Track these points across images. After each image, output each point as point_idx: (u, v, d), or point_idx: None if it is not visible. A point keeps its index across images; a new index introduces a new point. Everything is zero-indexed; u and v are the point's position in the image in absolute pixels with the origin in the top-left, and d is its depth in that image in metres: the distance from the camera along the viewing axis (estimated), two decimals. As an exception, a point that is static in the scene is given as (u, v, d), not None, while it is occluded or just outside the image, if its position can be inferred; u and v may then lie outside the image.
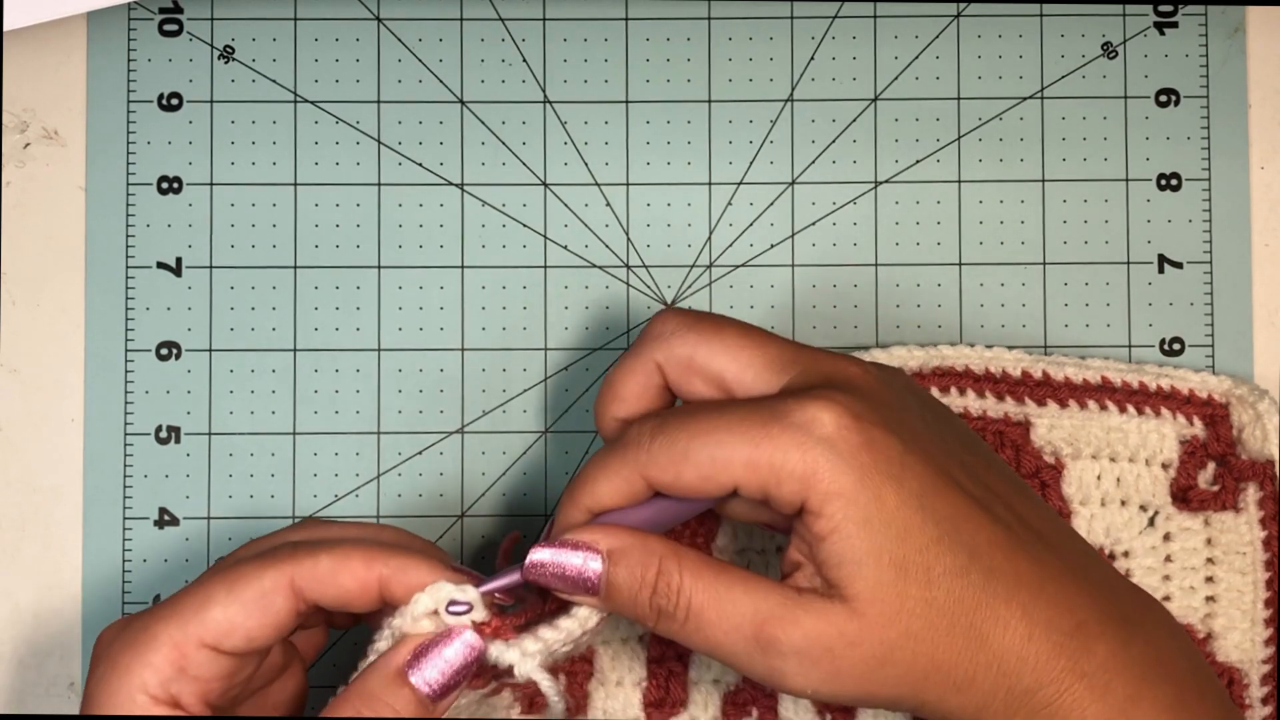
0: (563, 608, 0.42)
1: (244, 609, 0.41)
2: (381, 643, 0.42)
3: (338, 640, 0.52)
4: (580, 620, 0.42)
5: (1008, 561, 0.40)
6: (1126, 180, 0.54)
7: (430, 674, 0.41)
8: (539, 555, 0.41)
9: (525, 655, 0.41)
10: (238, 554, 0.44)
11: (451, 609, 0.41)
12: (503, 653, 0.41)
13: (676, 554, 0.41)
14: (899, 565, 0.39)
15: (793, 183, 0.54)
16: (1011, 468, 0.47)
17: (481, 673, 0.42)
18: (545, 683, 0.41)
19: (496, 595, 0.42)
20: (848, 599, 0.39)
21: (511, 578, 0.42)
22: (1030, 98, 0.54)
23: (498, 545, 0.52)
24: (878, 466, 0.39)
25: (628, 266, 0.54)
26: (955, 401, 0.51)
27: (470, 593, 0.41)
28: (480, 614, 0.41)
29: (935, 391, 0.51)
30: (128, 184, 0.54)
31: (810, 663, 0.39)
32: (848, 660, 0.39)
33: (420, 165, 0.54)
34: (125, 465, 0.53)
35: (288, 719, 0.45)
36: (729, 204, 0.54)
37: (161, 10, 0.54)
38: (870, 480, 0.39)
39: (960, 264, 0.54)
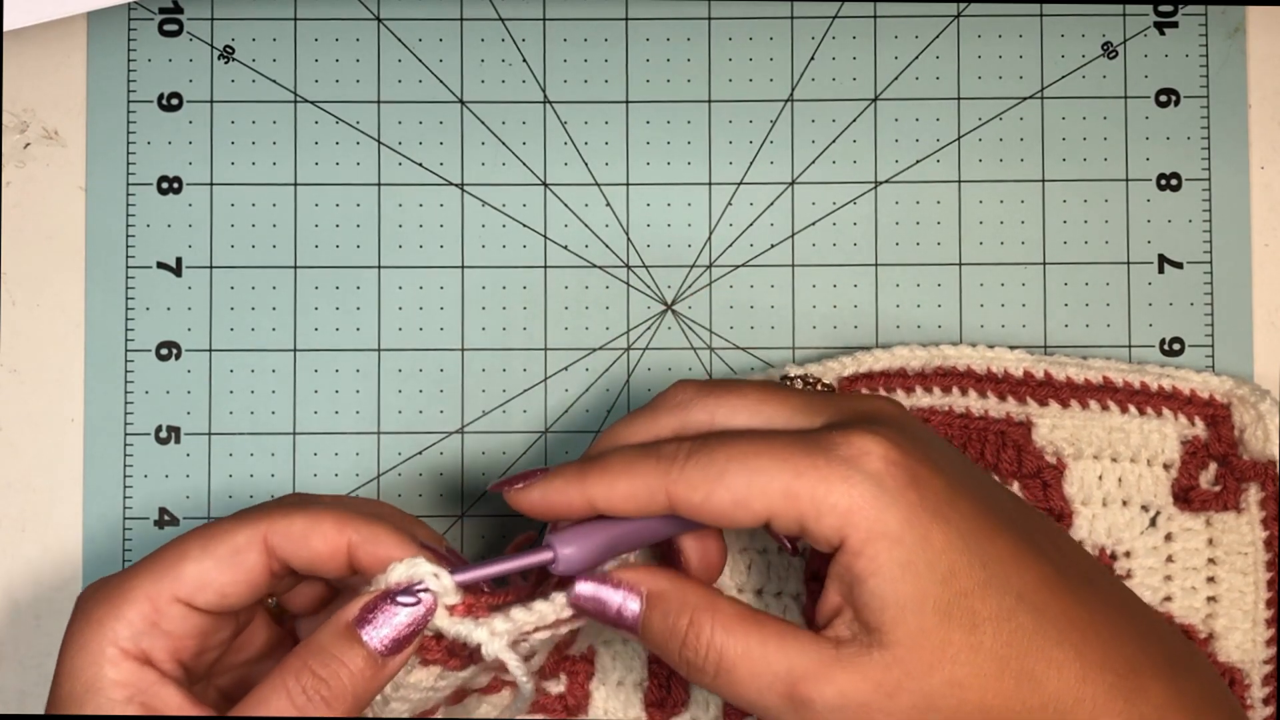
0: (540, 592, 0.42)
1: (217, 564, 0.41)
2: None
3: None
4: (556, 607, 0.41)
5: (1056, 602, 0.39)
6: (1126, 180, 0.54)
7: (381, 631, 0.40)
8: (583, 589, 0.40)
9: (493, 634, 0.40)
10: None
11: (416, 589, 0.40)
12: (471, 631, 0.40)
13: (711, 606, 0.40)
14: (943, 610, 0.38)
15: (793, 183, 0.54)
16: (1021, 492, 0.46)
17: (456, 653, 0.41)
18: (512, 662, 0.40)
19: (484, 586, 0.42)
20: (887, 645, 0.38)
21: (491, 569, 0.41)
22: (1030, 98, 0.54)
23: (498, 545, 0.52)
24: (924, 505, 0.38)
25: (628, 266, 0.54)
26: (957, 402, 0.51)
27: (445, 579, 0.40)
28: (452, 598, 0.41)
29: (937, 392, 0.51)
30: (128, 184, 0.54)
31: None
32: (885, 712, 0.38)
33: (420, 165, 0.54)
34: (125, 465, 0.53)
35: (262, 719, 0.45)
36: (729, 204, 0.54)
37: (161, 10, 0.54)
38: (917, 521, 0.38)
39: (960, 264, 0.54)
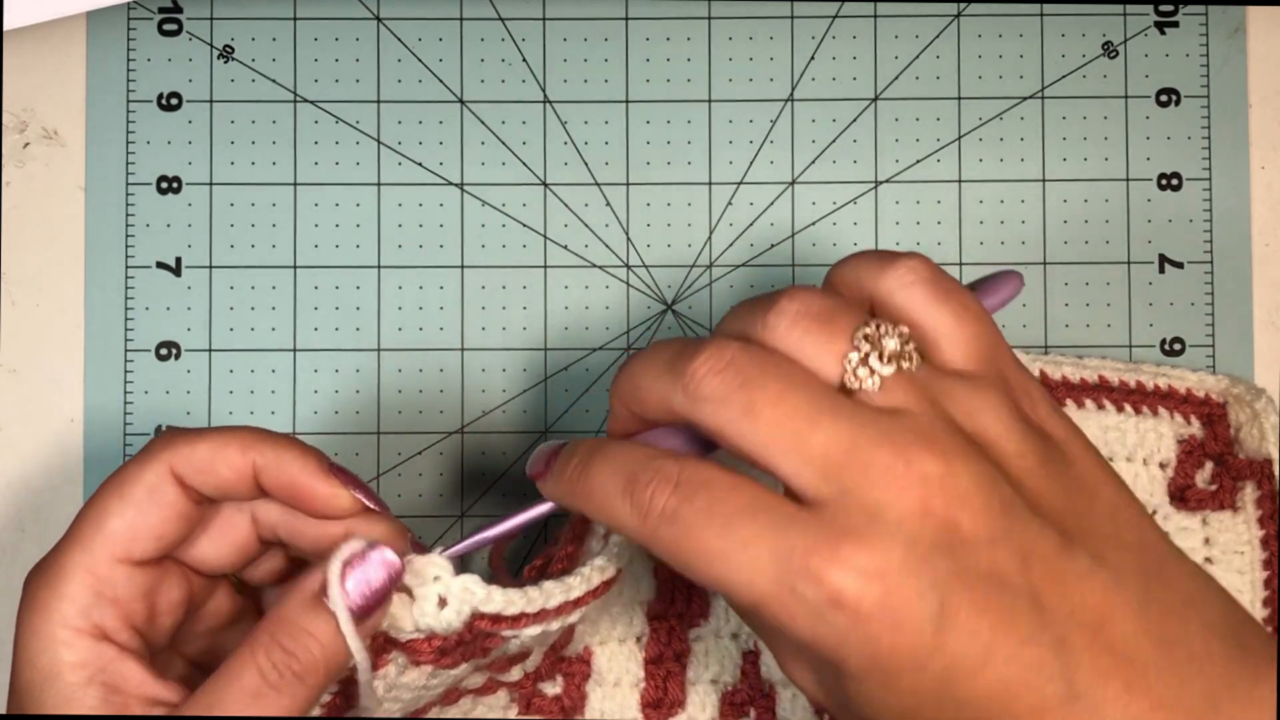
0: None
1: (139, 509, 0.40)
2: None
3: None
4: (532, 598, 0.41)
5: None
6: (1127, 180, 0.54)
7: (351, 597, 0.39)
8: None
9: (432, 563, 0.40)
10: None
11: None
12: (422, 566, 0.40)
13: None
14: (906, 714, 0.35)
15: (793, 183, 0.54)
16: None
17: (448, 652, 0.41)
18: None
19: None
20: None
21: (493, 531, 0.42)
22: (1030, 98, 0.54)
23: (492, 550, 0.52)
24: (896, 651, 0.34)
25: (628, 266, 0.54)
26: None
27: (442, 563, 0.41)
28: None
29: None
30: (127, 184, 0.53)
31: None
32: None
33: (420, 165, 0.54)
34: (125, 465, 0.53)
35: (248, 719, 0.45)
36: (729, 204, 0.54)
37: (161, 10, 0.54)
38: (882, 668, 0.34)
39: (961, 264, 0.54)
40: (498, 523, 0.42)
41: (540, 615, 0.42)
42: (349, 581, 0.39)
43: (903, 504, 0.34)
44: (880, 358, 0.36)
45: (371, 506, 0.42)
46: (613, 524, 0.37)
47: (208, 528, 0.43)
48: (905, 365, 0.36)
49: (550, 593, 0.42)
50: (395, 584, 0.40)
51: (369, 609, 0.39)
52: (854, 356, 0.36)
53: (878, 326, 0.37)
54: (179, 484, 0.41)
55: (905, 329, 0.37)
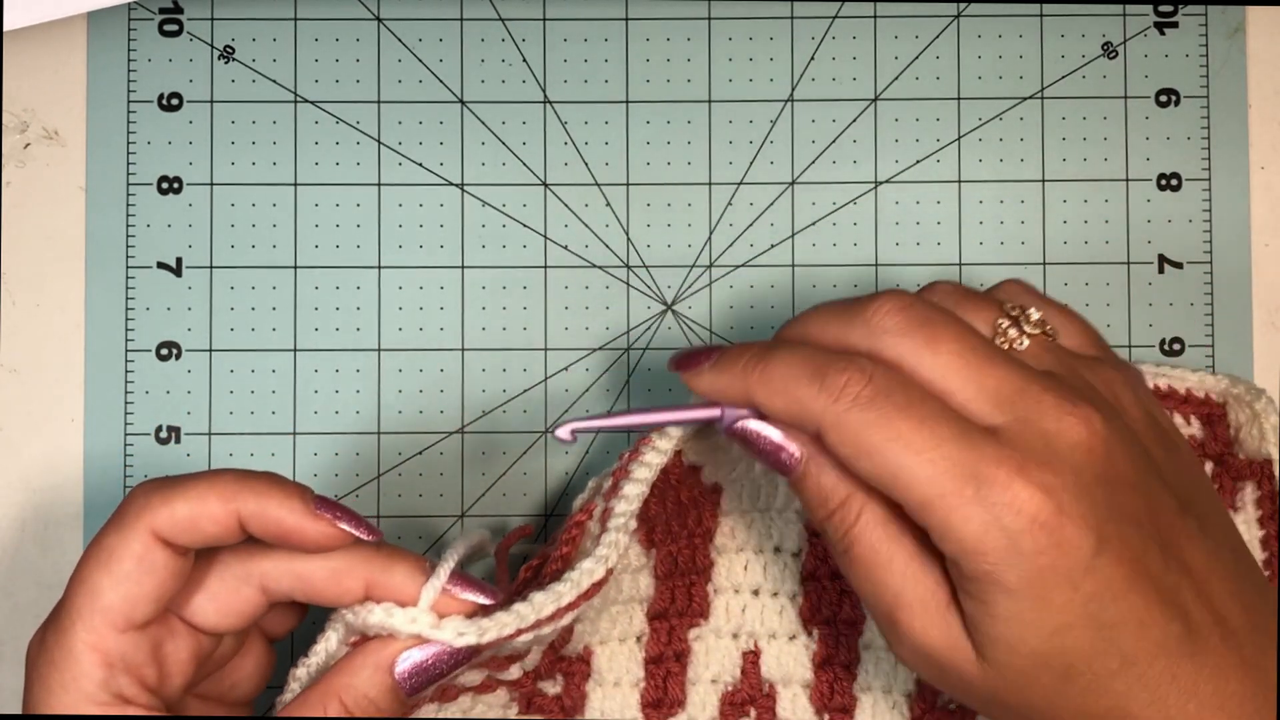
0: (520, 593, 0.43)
1: (132, 580, 0.40)
2: (326, 638, 0.43)
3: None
4: (535, 607, 0.42)
5: (1168, 666, 0.38)
6: (1126, 180, 0.54)
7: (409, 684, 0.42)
8: (753, 424, 0.41)
9: (460, 634, 0.42)
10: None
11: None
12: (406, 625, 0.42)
13: (867, 495, 0.40)
14: (1040, 658, 0.38)
15: (793, 183, 0.54)
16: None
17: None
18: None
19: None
20: (978, 657, 0.39)
21: (663, 415, 0.43)
22: (1030, 98, 0.54)
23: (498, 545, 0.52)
24: (1056, 569, 0.37)
25: (628, 266, 0.54)
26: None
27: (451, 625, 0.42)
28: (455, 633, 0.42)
29: None
30: (128, 184, 0.54)
31: (922, 663, 0.40)
32: (955, 687, 0.40)
33: (420, 165, 0.54)
34: (125, 465, 0.53)
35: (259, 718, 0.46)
36: (729, 204, 0.54)
37: (161, 10, 0.54)
38: (1040, 583, 0.37)
39: (960, 264, 0.54)
40: (639, 413, 0.43)
41: (534, 624, 0.43)
42: (405, 664, 0.42)
43: (1072, 437, 0.38)
44: (1028, 324, 0.42)
45: (363, 537, 0.42)
46: (791, 407, 0.39)
47: (206, 586, 0.43)
48: (1048, 333, 0.42)
49: (541, 605, 0.42)
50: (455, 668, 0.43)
51: (420, 688, 0.42)
52: (1004, 321, 0.42)
53: (1016, 304, 0.42)
54: (165, 545, 0.41)
55: (1036, 309, 0.42)
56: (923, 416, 0.38)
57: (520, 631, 0.42)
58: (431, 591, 0.42)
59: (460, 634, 0.42)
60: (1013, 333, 0.41)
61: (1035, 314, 0.42)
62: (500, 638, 0.42)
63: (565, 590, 0.43)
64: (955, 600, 0.39)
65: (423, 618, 0.42)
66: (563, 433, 0.42)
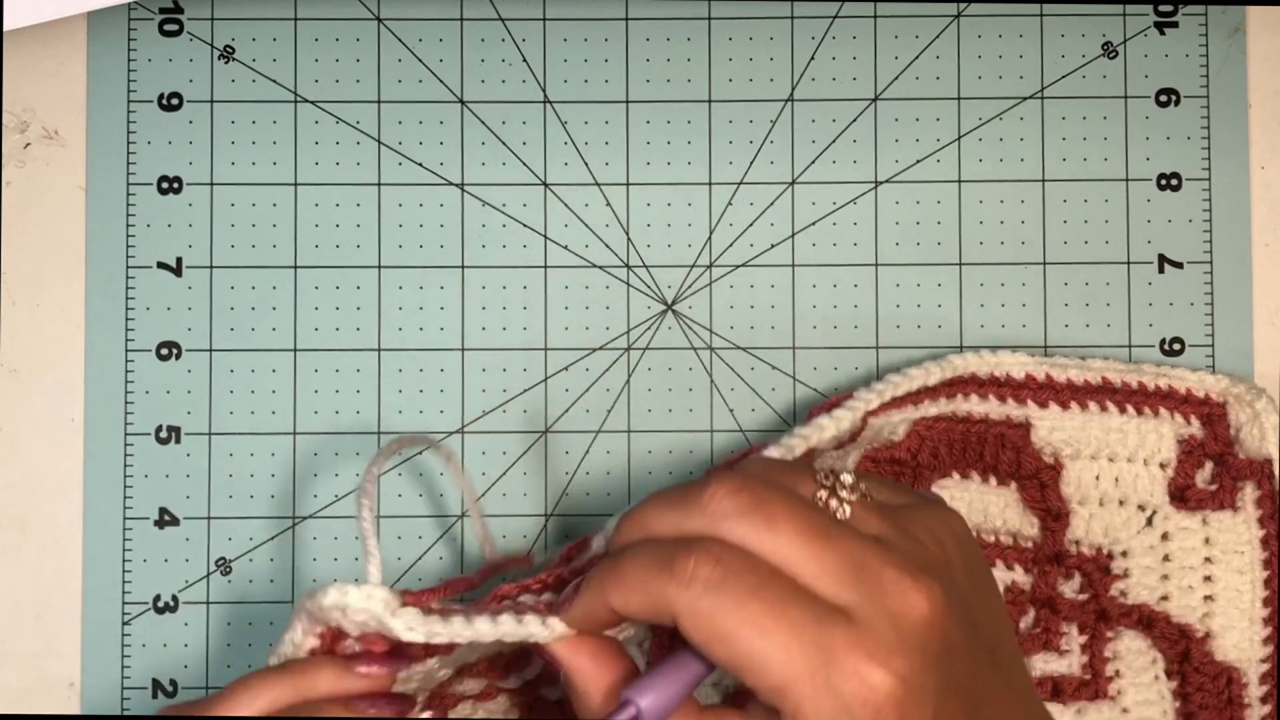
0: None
1: None
2: (292, 630, 0.42)
3: None
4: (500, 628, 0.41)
5: None
6: (1126, 180, 0.54)
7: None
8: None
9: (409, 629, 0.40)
10: None
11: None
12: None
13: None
14: None
15: (793, 183, 0.54)
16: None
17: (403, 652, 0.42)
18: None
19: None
20: None
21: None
22: (1030, 98, 0.54)
23: (498, 546, 0.52)
24: None
25: (628, 266, 0.54)
26: (960, 406, 0.51)
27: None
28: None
29: (943, 400, 0.51)
30: (128, 184, 0.54)
31: None
32: None
33: (420, 165, 0.54)
34: (125, 465, 0.53)
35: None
36: (729, 204, 0.54)
37: (161, 10, 0.54)
38: None
39: (960, 264, 0.54)
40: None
41: (444, 649, 0.41)
42: None
43: (914, 616, 0.38)
44: (844, 490, 0.41)
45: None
46: (646, 601, 0.39)
47: None
48: (864, 492, 0.41)
49: (496, 630, 0.41)
50: None
51: None
52: (822, 493, 0.41)
53: (827, 471, 0.42)
54: None
55: (847, 474, 0.42)
56: (773, 600, 0.38)
57: (460, 647, 0.41)
58: (375, 569, 0.41)
59: (410, 629, 0.40)
60: (834, 503, 0.41)
61: (848, 478, 0.41)
62: (446, 644, 0.40)
63: (522, 631, 0.41)
64: None
65: (377, 594, 0.40)
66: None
